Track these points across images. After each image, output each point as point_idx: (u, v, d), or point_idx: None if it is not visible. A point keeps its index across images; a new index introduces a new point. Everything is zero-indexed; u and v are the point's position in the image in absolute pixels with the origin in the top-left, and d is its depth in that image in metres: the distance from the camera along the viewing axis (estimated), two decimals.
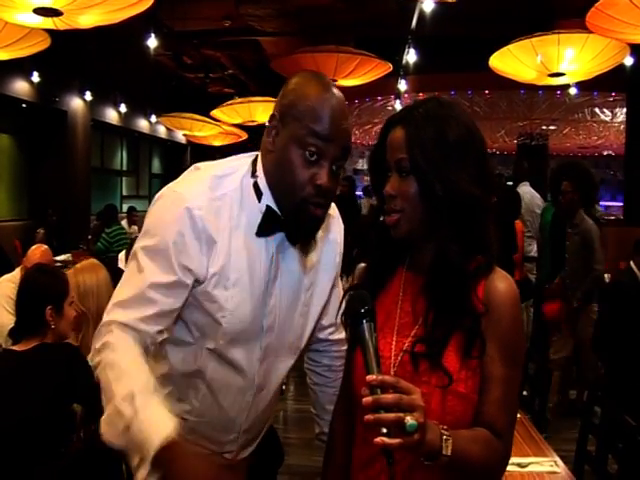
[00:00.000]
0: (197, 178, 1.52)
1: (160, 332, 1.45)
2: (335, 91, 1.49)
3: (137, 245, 1.50)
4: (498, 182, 7.00)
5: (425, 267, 1.37)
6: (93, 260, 3.10)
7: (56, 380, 2.40)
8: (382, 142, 1.40)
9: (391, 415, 1.07)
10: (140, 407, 1.25)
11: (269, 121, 1.50)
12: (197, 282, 1.47)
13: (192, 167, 1.57)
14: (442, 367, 1.26)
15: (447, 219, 1.30)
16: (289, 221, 1.49)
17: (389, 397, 1.08)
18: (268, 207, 1.49)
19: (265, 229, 1.50)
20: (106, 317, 1.44)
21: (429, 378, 1.28)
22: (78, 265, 2.95)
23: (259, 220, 1.49)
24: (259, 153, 1.54)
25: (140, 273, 1.44)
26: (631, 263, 4.36)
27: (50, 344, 2.56)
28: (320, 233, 1.60)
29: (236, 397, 1.59)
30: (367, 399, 1.09)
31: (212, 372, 1.56)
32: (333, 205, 1.68)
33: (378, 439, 1.07)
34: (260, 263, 1.51)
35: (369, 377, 1.11)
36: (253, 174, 1.52)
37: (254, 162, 1.53)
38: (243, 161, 1.56)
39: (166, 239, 1.43)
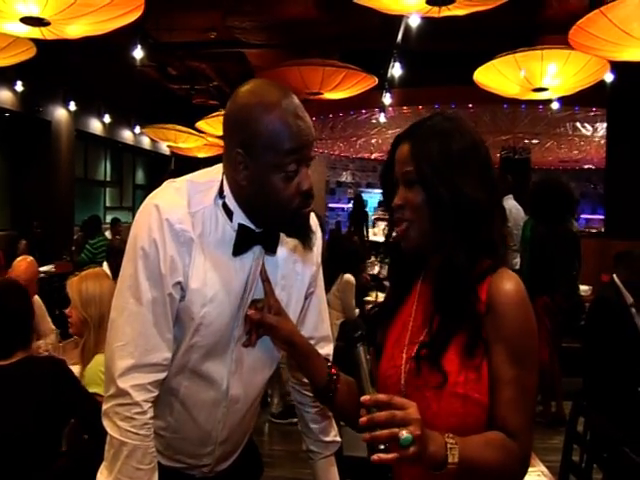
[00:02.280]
0: (174, 193, 1.51)
1: (167, 359, 1.47)
2: (287, 99, 1.44)
3: (125, 265, 1.49)
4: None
5: (434, 274, 1.40)
6: (99, 269, 3.16)
7: (41, 394, 2.38)
8: (391, 159, 1.45)
9: (385, 431, 1.09)
10: None
11: (232, 158, 1.45)
12: (182, 297, 1.47)
13: (168, 181, 1.55)
14: (439, 367, 1.29)
15: (453, 224, 1.33)
16: (281, 228, 1.51)
17: (382, 414, 1.11)
18: (241, 225, 1.49)
19: (241, 247, 1.50)
20: (120, 378, 1.43)
21: (430, 380, 1.30)
22: (83, 273, 2.97)
23: (233, 239, 1.49)
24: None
25: (137, 299, 1.45)
26: (614, 276, 4.40)
27: (35, 357, 2.55)
28: (298, 246, 1.62)
29: (210, 411, 1.58)
30: (362, 419, 1.12)
31: (185, 389, 1.56)
32: (315, 221, 1.69)
33: (375, 456, 1.09)
34: (237, 280, 1.52)
35: (363, 398, 1.15)
36: (221, 195, 1.51)
37: (221, 185, 1.52)
38: (214, 177, 1.55)
39: (153, 259, 1.43)
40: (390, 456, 1.09)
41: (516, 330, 1.31)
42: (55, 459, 2.50)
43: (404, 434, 1.08)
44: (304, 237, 1.54)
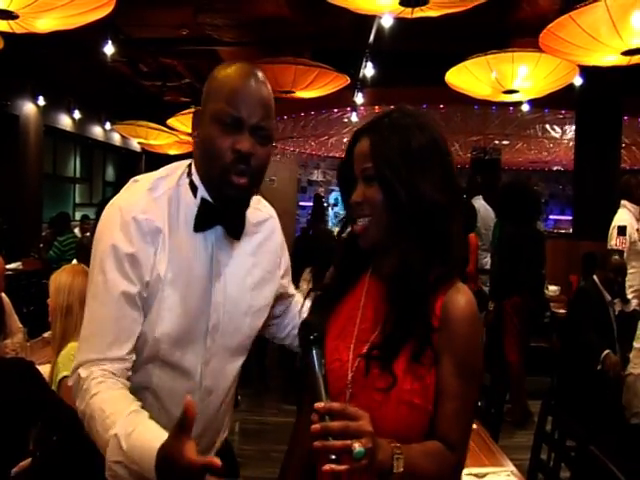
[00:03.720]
0: (135, 187, 1.55)
1: (130, 352, 1.47)
2: (247, 67, 1.54)
3: (92, 266, 1.50)
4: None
5: (386, 274, 1.39)
6: (81, 266, 3.25)
7: (8, 395, 2.35)
8: (349, 154, 1.43)
9: (338, 442, 1.10)
10: (128, 446, 1.25)
11: (193, 116, 1.57)
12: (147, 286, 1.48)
13: (131, 180, 1.59)
14: (390, 370, 1.29)
15: (410, 226, 1.32)
16: (215, 197, 1.52)
17: (336, 424, 1.11)
18: (203, 199, 1.53)
19: (202, 222, 1.53)
20: (78, 368, 1.43)
21: (378, 382, 1.30)
22: (65, 266, 3.12)
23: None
24: None
25: (99, 295, 1.46)
26: (594, 276, 4.51)
27: (2, 358, 2.51)
28: (258, 232, 1.67)
29: (183, 402, 1.53)
30: (315, 426, 1.12)
31: (157, 380, 1.55)
32: (272, 211, 1.76)
33: (327, 466, 1.10)
34: (199, 260, 1.53)
35: (317, 405, 1.14)
36: (189, 174, 1.56)
37: (190, 165, 1.58)
38: (180, 165, 1.61)
39: (119, 255, 1.45)
40: (342, 467, 1.09)
41: (466, 346, 1.32)
42: (22, 459, 2.47)
43: (357, 447, 1.09)
44: (234, 214, 1.56)
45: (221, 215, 1.53)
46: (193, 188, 1.54)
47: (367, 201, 1.36)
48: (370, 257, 1.46)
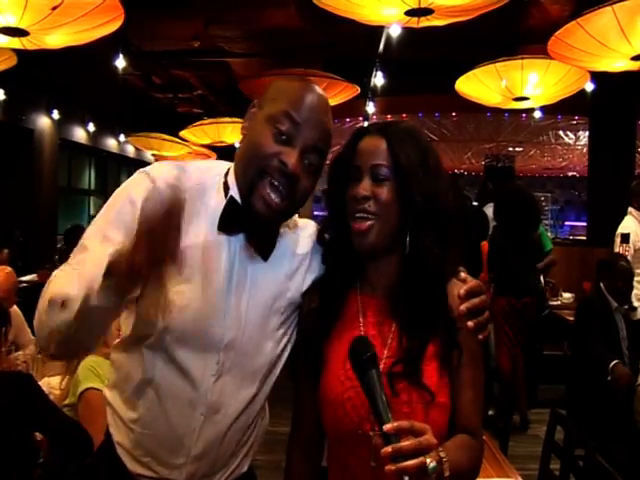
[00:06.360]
0: (169, 164, 1.54)
1: None
2: (317, 89, 1.49)
3: (101, 212, 1.48)
4: (464, 204, 7.15)
5: (384, 285, 1.40)
6: None
7: (8, 408, 2.36)
8: (351, 150, 1.43)
9: (414, 461, 1.07)
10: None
11: (248, 110, 1.51)
12: None
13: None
14: (422, 384, 1.29)
15: (424, 227, 1.35)
16: (245, 203, 1.43)
17: (409, 444, 1.09)
18: (232, 198, 1.45)
19: (225, 223, 1.45)
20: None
21: (409, 396, 1.30)
22: None
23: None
24: None
25: (100, 241, 1.40)
26: (600, 284, 4.45)
27: (1, 372, 2.54)
28: (303, 259, 1.56)
29: (185, 411, 1.48)
30: (386, 449, 1.08)
31: (160, 377, 1.47)
32: (311, 226, 1.62)
33: None
34: (219, 264, 1.45)
35: (386, 426, 1.11)
36: (226, 175, 1.51)
37: (230, 168, 1.53)
38: (219, 164, 1.57)
39: (126, 202, 1.42)
40: None
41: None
42: (31, 469, 2.50)
43: (431, 463, 1.08)
44: (257, 230, 1.46)
45: (246, 221, 1.44)
46: (226, 188, 1.48)
47: (376, 197, 1.35)
48: (354, 272, 1.46)
